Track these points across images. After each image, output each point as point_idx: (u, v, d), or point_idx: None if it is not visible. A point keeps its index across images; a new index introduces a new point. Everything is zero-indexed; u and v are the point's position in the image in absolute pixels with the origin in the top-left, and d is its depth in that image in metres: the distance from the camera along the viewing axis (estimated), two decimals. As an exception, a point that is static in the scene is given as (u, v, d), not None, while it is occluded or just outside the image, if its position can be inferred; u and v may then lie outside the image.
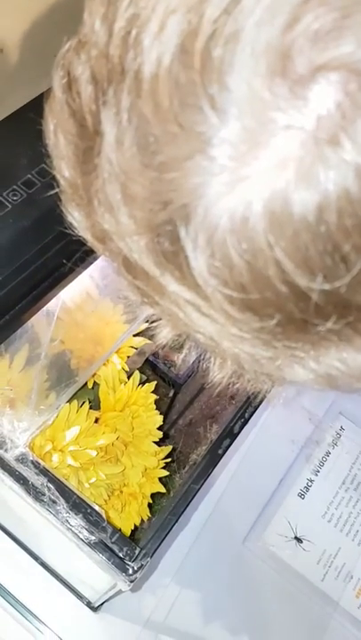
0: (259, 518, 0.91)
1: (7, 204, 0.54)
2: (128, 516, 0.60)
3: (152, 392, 0.64)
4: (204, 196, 0.23)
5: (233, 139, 0.22)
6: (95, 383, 0.62)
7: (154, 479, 0.63)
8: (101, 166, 0.26)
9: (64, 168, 0.29)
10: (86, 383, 0.62)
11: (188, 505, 0.52)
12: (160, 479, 0.63)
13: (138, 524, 0.61)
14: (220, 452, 0.54)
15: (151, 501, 0.65)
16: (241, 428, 0.56)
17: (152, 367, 0.68)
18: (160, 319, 0.32)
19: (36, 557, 0.83)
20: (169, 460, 0.64)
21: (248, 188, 0.22)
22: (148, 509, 0.63)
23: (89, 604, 0.71)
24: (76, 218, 0.30)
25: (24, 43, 0.67)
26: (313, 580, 0.88)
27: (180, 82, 0.22)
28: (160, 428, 0.67)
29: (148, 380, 0.65)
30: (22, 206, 0.55)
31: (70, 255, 0.58)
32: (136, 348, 0.64)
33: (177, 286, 0.26)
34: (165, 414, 0.73)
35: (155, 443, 0.62)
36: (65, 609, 0.77)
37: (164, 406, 0.73)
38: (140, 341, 0.64)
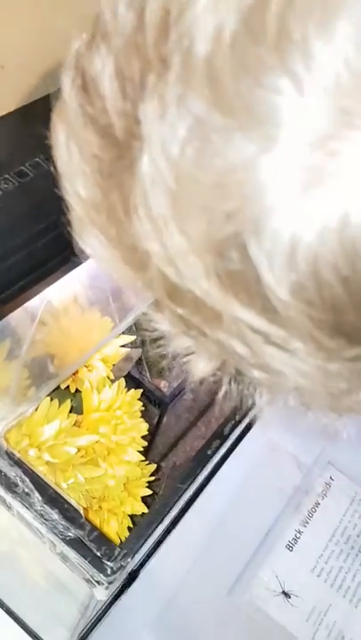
0: (244, 570, 0.85)
1: (-3, 189, 0.54)
2: (106, 535, 0.56)
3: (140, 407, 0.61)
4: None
5: (322, 125, 0.18)
6: (78, 390, 0.59)
7: (136, 497, 0.58)
8: (142, 175, 0.21)
9: (81, 187, 0.24)
10: (68, 387, 0.59)
11: (173, 506, 0.48)
12: (143, 500, 0.59)
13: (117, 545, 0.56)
14: (209, 452, 0.51)
15: (131, 525, 0.60)
16: (231, 430, 0.53)
17: (137, 383, 0.65)
18: (192, 352, 0.27)
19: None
20: (153, 478, 0.60)
21: None
22: (127, 532, 0.59)
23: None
24: (95, 247, 0.25)
25: (25, 60, 0.69)
26: (302, 638, 0.81)
27: (248, 59, 0.18)
28: (146, 451, 0.63)
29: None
30: (13, 194, 0.54)
31: (60, 251, 0.56)
32: (124, 345, 0.62)
33: (244, 312, 0.21)
34: (151, 438, 0.70)
35: (139, 452, 0.58)
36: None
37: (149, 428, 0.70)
38: (125, 351, 0.62)
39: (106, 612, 0.78)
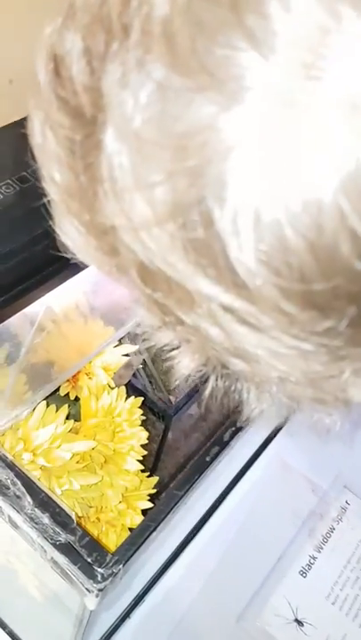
0: (255, 596, 0.81)
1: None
2: (98, 541, 0.54)
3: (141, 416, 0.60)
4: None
5: (282, 79, 0.17)
6: (78, 398, 0.58)
7: (136, 509, 0.57)
8: (105, 146, 0.20)
9: (56, 171, 0.23)
10: (68, 395, 0.58)
11: (168, 513, 0.47)
12: (144, 513, 0.57)
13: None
14: (207, 459, 0.49)
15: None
16: (232, 436, 0.51)
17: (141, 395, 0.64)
18: (179, 346, 0.26)
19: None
20: (155, 491, 0.58)
21: None
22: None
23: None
24: (72, 235, 0.25)
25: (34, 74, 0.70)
26: (315, 669, 0.77)
27: (204, 19, 0.18)
28: (152, 468, 0.62)
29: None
30: (14, 198, 0.54)
31: (60, 256, 0.56)
32: (126, 355, 0.61)
33: (212, 288, 0.20)
34: (157, 453, 0.68)
35: (138, 461, 0.56)
36: None
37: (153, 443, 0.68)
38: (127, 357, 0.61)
39: (111, 636, 0.76)
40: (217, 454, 0.50)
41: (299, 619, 0.80)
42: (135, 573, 0.72)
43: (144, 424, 0.61)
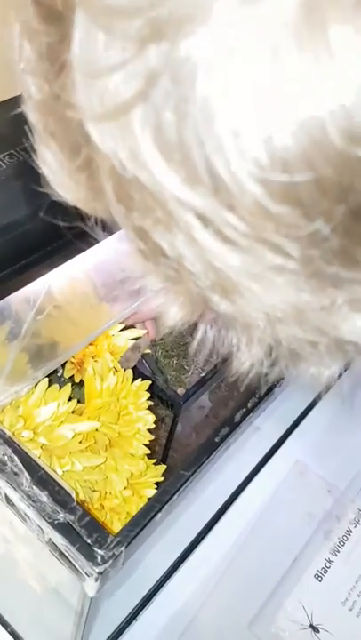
0: (268, 600, 0.78)
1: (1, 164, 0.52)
2: (99, 521, 0.51)
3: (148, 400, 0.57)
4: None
5: None
6: (82, 382, 0.56)
7: (142, 497, 0.54)
8: (75, 34, 0.19)
9: (31, 85, 0.22)
10: (73, 377, 0.56)
11: (175, 494, 0.44)
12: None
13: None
14: (216, 439, 0.47)
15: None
16: (243, 417, 0.48)
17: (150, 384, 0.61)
18: (166, 297, 0.25)
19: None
20: (162, 479, 0.55)
21: None
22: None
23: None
24: (48, 159, 0.24)
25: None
26: None
27: None
28: (158, 458, 0.59)
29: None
30: (16, 169, 0.53)
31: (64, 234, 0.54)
32: (135, 339, 0.58)
33: (187, 192, 0.18)
34: (166, 443, 0.65)
35: (145, 446, 0.53)
36: None
37: (162, 431, 0.65)
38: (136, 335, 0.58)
39: (117, 639, 0.73)
40: (227, 435, 0.47)
41: (314, 625, 0.76)
42: (138, 561, 0.69)
43: (152, 411, 0.58)
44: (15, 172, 0.52)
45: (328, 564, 0.81)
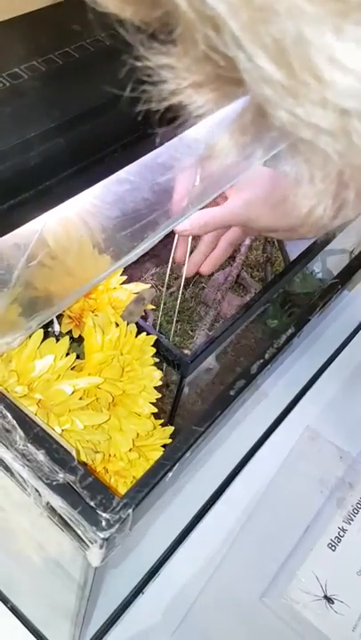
0: (280, 571, 0.74)
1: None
2: (103, 481, 0.47)
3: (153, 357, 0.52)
4: None
5: None
6: (82, 338, 0.51)
7: (149, 460, 0.49)
8: None
9: None
10: (71, 332, 0.51)
11: (187, 451, 0.39)
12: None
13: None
14: (232, 392, 0.42)
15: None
16: (260, 369, 0.44)
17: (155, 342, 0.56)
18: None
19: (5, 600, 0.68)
20: (170, 441, 0.51)
21: None
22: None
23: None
24: None
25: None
26: (348, 650, 0.70)
27: None
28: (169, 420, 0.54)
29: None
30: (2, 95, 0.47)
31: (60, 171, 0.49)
32: (137, 293, 0.53)
33: None
34: (173, 405, 0.61)
35: (152, 404, 0.49)
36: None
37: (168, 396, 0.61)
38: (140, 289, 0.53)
39: (123, 612, 0.69)
40: (242, 388, 0.42)
41: (328, 595, 0.73)
42: (146, 528, 0.65)
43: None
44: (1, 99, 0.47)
45: (342, 533, 0.78)
